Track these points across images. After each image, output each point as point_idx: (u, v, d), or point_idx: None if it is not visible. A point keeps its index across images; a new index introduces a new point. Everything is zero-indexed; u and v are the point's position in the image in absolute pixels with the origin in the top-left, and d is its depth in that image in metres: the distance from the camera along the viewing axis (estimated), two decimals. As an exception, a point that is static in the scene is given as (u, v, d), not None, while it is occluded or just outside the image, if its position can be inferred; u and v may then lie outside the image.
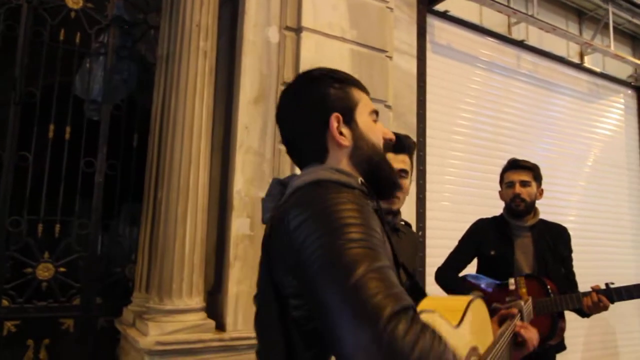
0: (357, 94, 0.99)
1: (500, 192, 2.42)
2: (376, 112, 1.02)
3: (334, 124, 0.94)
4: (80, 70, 2.99)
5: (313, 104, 0.95)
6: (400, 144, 1.63)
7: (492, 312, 1.21)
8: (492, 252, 2.32)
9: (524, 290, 1.40)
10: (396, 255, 0.92)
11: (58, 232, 2.75)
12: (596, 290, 2.08)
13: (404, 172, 1.63)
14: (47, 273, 2.67)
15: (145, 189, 2.79)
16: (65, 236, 2.82)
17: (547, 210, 2.48)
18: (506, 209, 2.38)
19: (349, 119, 0.96)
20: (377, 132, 1.00)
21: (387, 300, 0.64)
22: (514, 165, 2.36)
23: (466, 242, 2.44)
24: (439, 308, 0.85)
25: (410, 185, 1.74)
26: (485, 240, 2.36)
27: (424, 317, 0.72)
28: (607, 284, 2.08)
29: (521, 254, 2.29)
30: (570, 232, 2.44)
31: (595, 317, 2.27)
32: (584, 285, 2.29)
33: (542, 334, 2.00)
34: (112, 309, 2.77)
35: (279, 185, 0.98)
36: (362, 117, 0.98)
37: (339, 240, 0.71)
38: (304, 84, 0.98)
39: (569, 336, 2.35)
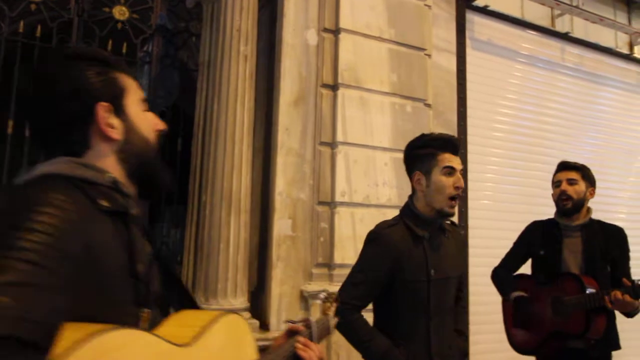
0: (124, 79, 0.87)
1: (552, 194, 2.43)
2: (146, 100, 0.92)
3: (102, 114, 0.81)
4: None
5: (73, 90, 0.80)
6: (455, 145, 1.69)
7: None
8: (542, 252, 2.35)
9: (328, 304, 1.31)
10: (136, 267, 0.78)
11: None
12: (624, 286, 2.06)
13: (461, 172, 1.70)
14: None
15: (190, 192, 2.88)
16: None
17: (597, 207, 2.39)
18: (556, 209, 2.38)
19: (119, 109, 0.84)
20: (148, 123, 0.90)
21: None
22: (561, 166, 2.39)
23: (518, 243, 2.49)
24: (174, 321, 0.78)
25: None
26: (535, 241, 2.39)
27: (108, 336, 0.60)
28: (633, 281, 2.06)
29: (569, 254, 2.29)
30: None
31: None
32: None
33: (577, 329, 2.13)
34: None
35: (30, 170, 0.82)
36: (133, 106, 0.87)
37: None
38: (59, 66, 0.82)
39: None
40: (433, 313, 1.61)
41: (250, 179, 2.55)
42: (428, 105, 2.96)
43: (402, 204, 1.79)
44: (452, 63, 3.28)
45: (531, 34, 3.82)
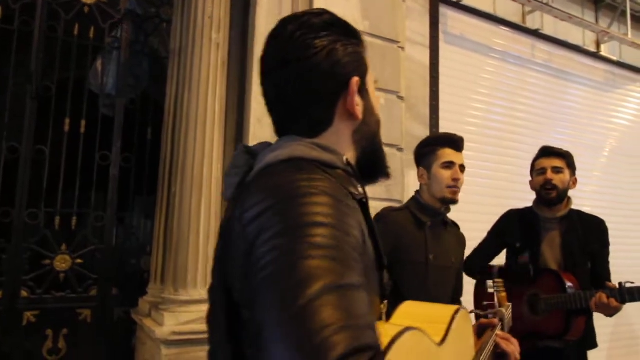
0: (366, 55, 0.81)
1: (530, 182, 2.29)
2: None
3: (353, 90, 0.76)
4: (93, 66, 3.02)
5: (337, 59, 0.74)
6: (457, 142, 1.86)
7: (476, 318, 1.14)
8: (518, 245, 2.22)
9: (503, 294, 1.30)
10: (381, 257, 0.74)
11: (74, 225, 2.79)
12: (609, 288, 1.95)
13: (463, 168, 1.87)
14: (64, 265, 2.71)
15: (160, 182, 2.82)
16: (82, 228, 2.86)
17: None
18: (536, 198, 2.26)
19: (362, 87, 0.79)
20: (378, 105, 0.85)
21: (339, 337, 0.48)
22: (546, 152, 2.24)
23: (493, 233, 2.37)
24: (420, 318, 0.75)
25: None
26: (511, 232, 2.26)
27: (408, 337, 0.59)
28: (620, 284, 1.93)
29: (548, 248, 2.17)
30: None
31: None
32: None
33: (556, 330, 2.01)
34: (128, 300, 2.81)
35: (246, 155, 0.76)
36: (371, 87, 0.82)
37: (299, 244, 0.55)
38: (315, 35, 0.74)
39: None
40: (433, 298, 1.64)
41: (222, 168, 2.51)
42: (401, 98, 2.97)
43: (375, 195, 1.84)
44: (425, 56, 3.30)
45: (503, 30, 3.88)
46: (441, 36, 3.46)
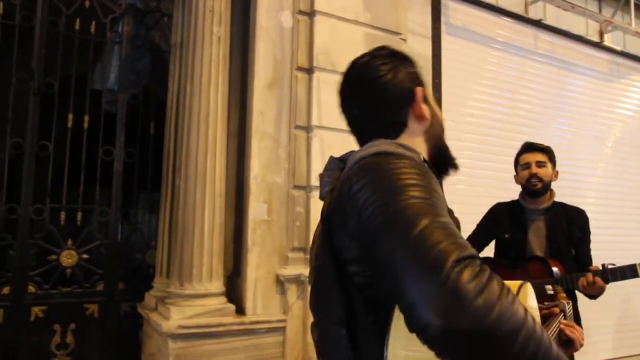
0: (422, 74, 1.02)
1: (515, 176, 2.43)
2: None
3: (420, 95, 0.95)
4: (98, 63, 3.02)
5: (402, 77, 0.95)
6: None
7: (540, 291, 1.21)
8: (506, 236, 2.36)
9: (562, 294, 1.39)
10: (458, 226, 0.90)
11: (80, 220, 2.81)
12: (593, 271, 2.12)
13: None
14: (70, 260, 2.73)
15: (163, 177, 2.83)
16: (87, 224, 2.88)
17: (567, 192, 2.46)
18: (522, 191, 2.39)
19: (425, 96, 0.98)
20: (441, 113, 1.03)
21: (452, 247, 0.62)
22: (528, 147, 2.38)
23: (483, 226, 2.49)
24: None
25: None
26: (500, 224, 2.40)
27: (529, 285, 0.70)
28: (603, 265, 2.11)
29: (534, 237, 2.32)
30: (590, 214, 2.42)
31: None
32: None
33: None
34: (135, 294, 2.83)
35: (336, 161, 0.97)
36: (431, 97, 1.01)
37: (400, 197, 0.70)
38: (382, 62, 0.97)
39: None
40: None
41: (225, 162, 2.51)
42: (403, 90, 2.96)
43: None
44: (427, 48, 3.28)
45: (505, 21, 3.86)
46: (443, 27, 3.44)
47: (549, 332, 1.05)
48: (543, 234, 2.30)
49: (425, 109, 0.96)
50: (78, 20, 2.88)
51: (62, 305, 2.68)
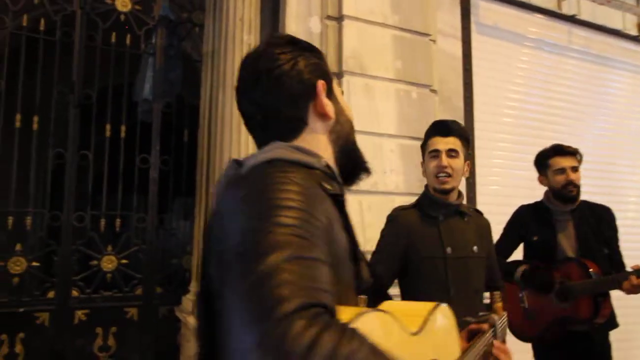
0: (327, 66, 0.90)
1: (540, 177, 2.40)
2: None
3: (321, 90, 0.83)
4: (138, 75, 3.12)
5: (301, 68, 0.83)
6: (445, 127, 1.79)
7: (463, 324, 1.08)
8: (535, 238, 2.32)
9: (499, 304, 1.26)
10: (356, 251, 0.78)
11: (118, 226, 2.90)
12: (636, 271, 2.04)
13: (453, 152, 1.75)
14: (110, 265, 2.82)
15: (197, 183, 2.89)
16: (125, 230, 2.97)
17: (607, 191, 2.38)
18: (550, 193, 2.35)
19: (330, 90, 0.86)
20: (349, 110, 0.91)
21: (292, 294, 0.51)
22: (561, 151, 2.33)
23: (510, 228, 2.46)
24: (396, 312, 0.76)
25: (466, 166, 1.81)
26: (527, 227, 2.36)
27: (370, 316, 0.62)
28: None
29: (564, 238, 2.28)
30: (632, 213, 2.34)
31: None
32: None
33: (585, 315, 2.12)
34: (172, 298, 2.90)
35: (234, 164, 0.80)
36: (337, 91, 0.90)
37: (266, 223, 0.59)
38: (280, 50, 0.84)
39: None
40: (453, 291, 1.65)
41: (257, 168, 2.54)
42: (434, 92, 2.93)
43: (410, 190, 1.82)
44: (457, 48, 3.24)
45: (537, 17, 3.77)
46: (473, 27, 3.39)
47: (470, 354, 0.98)
48: (572, 235, 2.26)
49: (328, 105, 0.84)
50: (114, 34, 2.98)
51: (103, 309, 2.77)
